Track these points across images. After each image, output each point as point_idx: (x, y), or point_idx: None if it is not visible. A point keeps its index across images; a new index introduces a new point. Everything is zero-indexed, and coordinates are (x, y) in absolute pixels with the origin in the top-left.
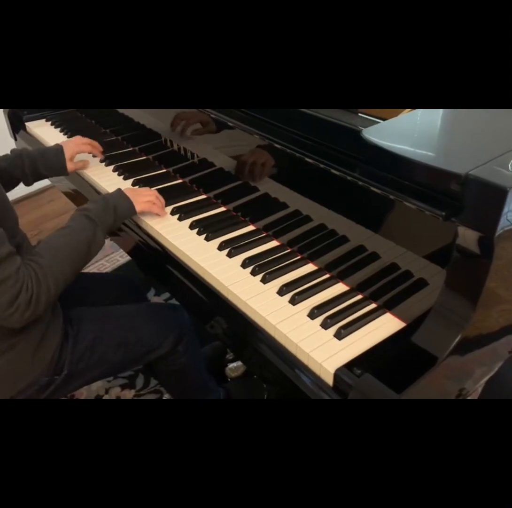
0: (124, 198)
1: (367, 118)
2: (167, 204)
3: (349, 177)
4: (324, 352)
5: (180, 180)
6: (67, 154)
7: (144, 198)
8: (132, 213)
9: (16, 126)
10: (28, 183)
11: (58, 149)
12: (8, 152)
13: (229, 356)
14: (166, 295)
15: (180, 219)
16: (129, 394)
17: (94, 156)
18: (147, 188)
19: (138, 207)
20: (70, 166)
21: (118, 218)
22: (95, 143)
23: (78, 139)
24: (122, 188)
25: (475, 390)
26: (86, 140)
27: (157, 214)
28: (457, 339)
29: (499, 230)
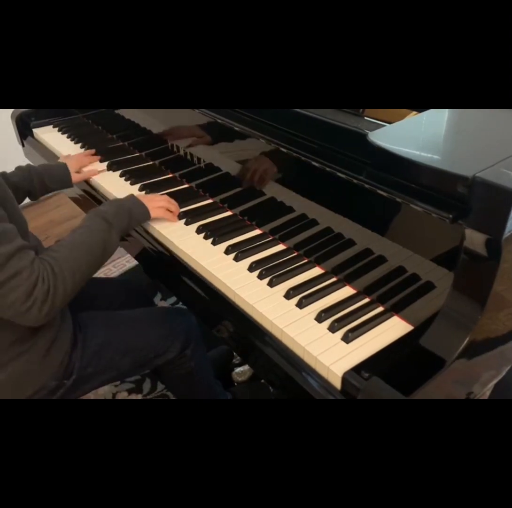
0: (138, 203)
1: (372, 122)
2: None
3: (355, 181)
4: (332, 355)
5: (186, 185)
6: (71, 169)
7: (157, 203)
8: (147, 219)
9: (24, 133)
10: (35, 198)
11: (62, 165)
12: (16, 158)
13: (236, 360)
14: (173, 299)
15: (186, 223)
16: (135, 399)
17: (101, 161)
18: (157, 194)
19: (153, 213)
20: (75, 177)
21: (132, 222)
22: (91, 152)
23: (76, 155)
24: (135, 195)
25: (483, 394)
26: (85, 153)
27: (170, 221)
28: (465, 342)
29: (506, 233)
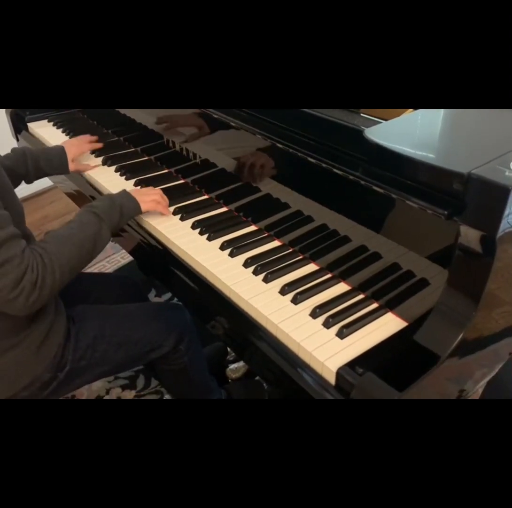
0: (129, 198)
1: (369, 118)
2: (169, 205)
3: (351, 177)
4: (326, 351)
5: (182, 181)
6: (70, 155)
7: (149, 197)
8: (138, 213)
9: (18, 127)
10: (30, 181)
11: (60, 149)
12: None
13: (230, 357)
14: (167, 296)
15: (182, 219)
16: (129, 395)
17: (96, 156)
18: (151, 188)
19: (143, 207)
20: (72, 166)
21: (124, 216)
22: (94, 138)
23: (77, 140)
24: (127, 190)
25: (475, 391)
26: (86, 139)
27: (162, 213)
28: (459, 338)
29: (500, 232)
